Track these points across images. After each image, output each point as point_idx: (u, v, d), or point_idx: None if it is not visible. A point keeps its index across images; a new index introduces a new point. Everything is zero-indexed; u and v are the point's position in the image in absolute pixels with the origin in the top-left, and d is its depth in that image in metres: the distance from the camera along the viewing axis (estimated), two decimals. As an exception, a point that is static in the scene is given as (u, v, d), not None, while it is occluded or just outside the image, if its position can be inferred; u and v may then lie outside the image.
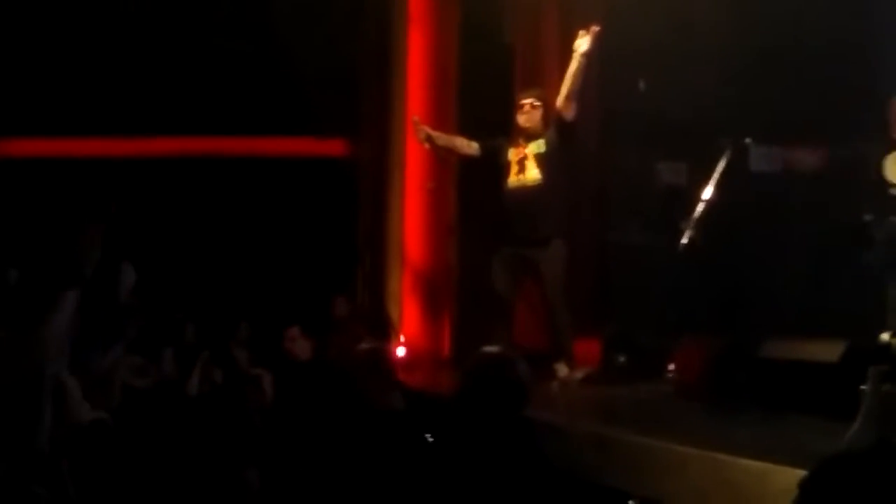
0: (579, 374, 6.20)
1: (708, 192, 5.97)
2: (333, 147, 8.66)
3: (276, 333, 6.33)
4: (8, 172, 8.47)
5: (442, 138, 6.64)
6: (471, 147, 6.56)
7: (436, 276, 7.68)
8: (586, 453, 4.41)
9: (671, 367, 6.01)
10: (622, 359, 6.48)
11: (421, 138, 6.56)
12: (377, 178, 8.07)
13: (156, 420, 4.01)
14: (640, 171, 7.38)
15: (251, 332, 7.13)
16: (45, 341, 2.91)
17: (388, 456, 3.64)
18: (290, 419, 4.49)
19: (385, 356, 4.34)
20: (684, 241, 5.88)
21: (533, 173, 6.27)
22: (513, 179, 6.33)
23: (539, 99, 6.36)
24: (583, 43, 6.01)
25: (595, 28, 6.01)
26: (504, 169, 6.37)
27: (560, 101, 6.17)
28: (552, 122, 6.27)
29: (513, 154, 6.35)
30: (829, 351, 4.92)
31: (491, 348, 3.65)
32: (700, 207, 5.94)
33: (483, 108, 7.36)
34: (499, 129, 6.57)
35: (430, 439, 3.86)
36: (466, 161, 6.82)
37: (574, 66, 6.08)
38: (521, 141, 6.35)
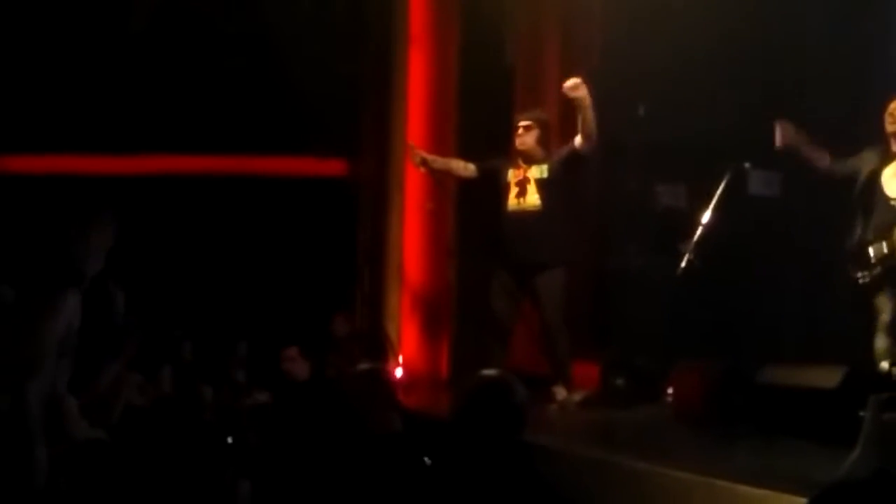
0: (577, 398, 6.19)
1: (707, 216, 5.98)
2: (333, 167, 8.68)
3: (275, 353, 6.32)
4: (8, 189, 8.48)
5: (438, 161, 6.63)
6: (467, 170, 6.55)
7: (435, 297, 7.68)
8: (584, 477, 4.39)
9: (670, 391, 6.00)
10: (621, 382, 6.46)
11: (416, 162, 6.56)
12: (377, 197, 8.08)
13: (154, 438, 4.00)
14: (640, 195, 7.38)
15: (249, 351, 7.13)
16: (45, 341, 2.89)
17: (386, 478, 3.62)
18: (287, 439, 4.48)
19: (383, 377, 4.33)
20: (683, 264, 5.89)
21: (533, 198, 6.24)
22: (512, 203, 6.30)
23: (534, 121, 6.32)
24: (572, 91, 5.93)
25: (574, 83, 5.93)
26: (503, 190, 6.36)
27: (579, 142, 6.13)
28: (566, 153, 6.21)
29: (512, 176, 6.33)
30: (827, 377, 4.91)
31: (489, 371, 3.64)
32: (699, 231, 5.95)
33: (483, 129, 7.39)
34: (498, 151, 6.57)
35: (428, 462, 3.84)
36: (465, 182, 6.82)
37: (579, 114, 6.02)
38: (520, 163, 6.33)
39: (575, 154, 6.18)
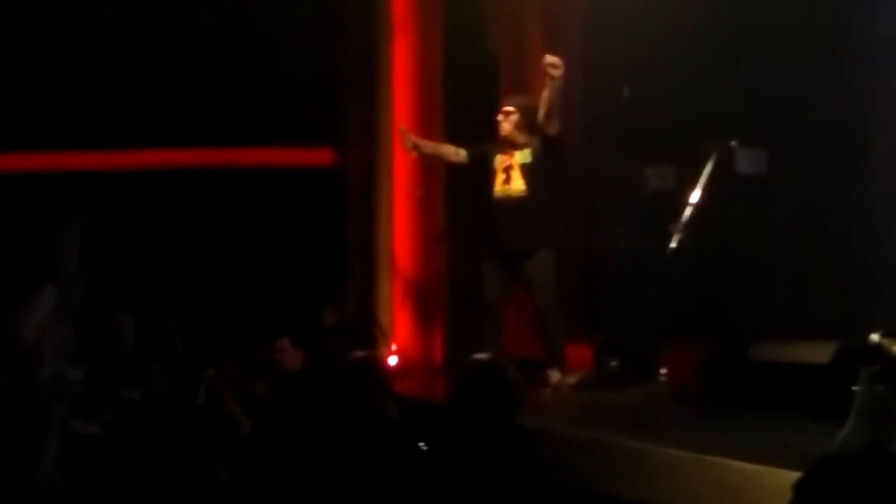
0: (571, 380, 6.20)
1: (695, 196, 6.00)
2: (320, 156, 8.65)
3: (266, 344, 6.32)
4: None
5: (429, 146, 6.63)
6: (458, 155, 6.55)
7: (426, 284, 7.67)
8: (579, 458, 4.40)
9: (663, 370, 6.02)
10: (614, 363, 6.49)
11: (408, 146, 6.55)
12: (365, 186, 8.06)
13: (147, 432, 4.00)
14: (627, 176, 7.38)
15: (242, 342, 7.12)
16: (22, 338, 2.86)
17: (382, 464, 3.63)
18: (282, 430, 4.49)
19: (377, 364, 4.33)
20: (673, 244, 5.91)
21: (518, 184, 6.26)
22: (498, 189, 6.32)
23: (514, 106, 6.32)
24: (552, 68, 5.92)
25: (555, 61, 5.90)
26: (491, 176, 6.37)
27: (540, 118, 6.14)
28: (537, 135, 6.25)
29: (499, 162, 6.34)
30: (819, 352, 4.93)
31: (481, 355, 3.65)
32: (688, 211, 5.97)
33: (469, 115, 7.37)
34: (485, 137, 6.57)
35: (424, 447, 3.85)
36: (454, 168, 6.81)
37: (547, 91, 6.02)
38: (507, 149, 6.34)
39: (545, 135, 6.19)
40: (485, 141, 6.50)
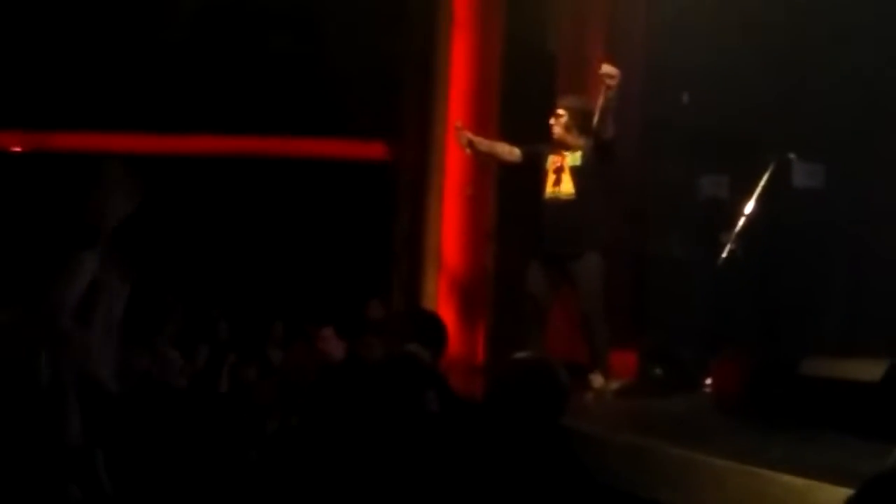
0: (614, 386, 6.15)
1: (750, 206, 5.93)
2: (373, 150, 8.68)
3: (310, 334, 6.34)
4: (49, 166, 8.55)
5: (484, 144, 6.60)
6: (512, 154, 6.52)
7: (472, 282, 7.66)
8: (622, 464, 4.36)
9: (708, 381, 5.95)
10: (658, 371, 6.42)
11: (463, 143, 6.52)
12: (416, 181, 8.06)
13: (189, 415, 4.02)
14: (682, 184, 7.32)
15: (285, 332, 7.16)
16: (62, 303, 2.83)
17: (421, 458, 3.61)
18: (324, 419, 4.48)
19: (418, 358, 4.29)
20: (725, 254, 5.84)
21: (567, 186, 6.21)
22: (549, 190, 6.27)
23: (565, 108, 6.28)
24: (608, 78, 5.87)
25: (611, 70, 5.86)
26: (543, 177, 6.34)
27: (595, 123, 6.10)
28: (590, 138, 6.20)
29: (550, 163, 6.30)
30: (870, 370, 4.83)
31: (527, 354, 3.63)
32: (741, 221, 5.90)
33: (525, 115, 7.34)
34: (540, 138, 6.54)
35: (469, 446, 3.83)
36: (507, 167, 6.79)
37: (602, 98, 5.97)
38: (559, 150, 6.30)
39: (599, 139, 6.14)
40: (539, 141, 6.47)
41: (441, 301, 7.65)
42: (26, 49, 8.70)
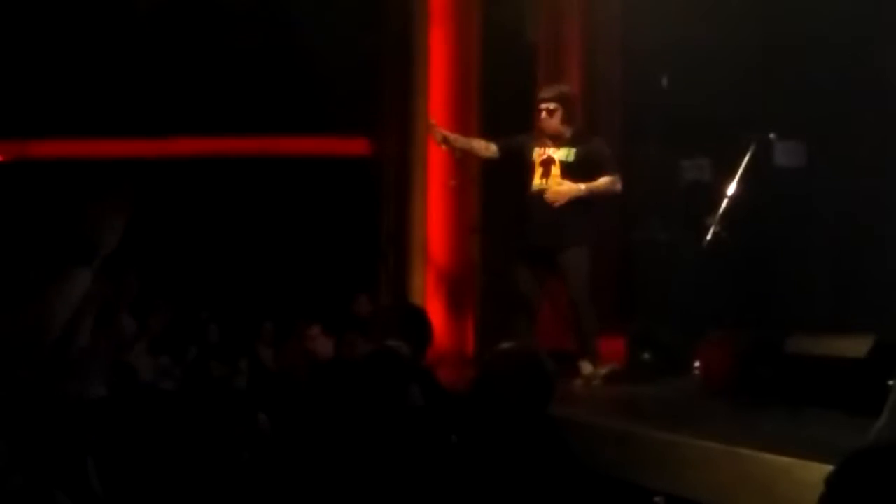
0: (603, 371, 6.16)
1: (732, 188, 5.95)
2: (356, 145, 8.68)
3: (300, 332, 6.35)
4: (29, 174, 8.54)
5: (460, 140, 6.56)
6: (489, 150, 6.46)
7: (459, 274, 7.66)
8: (611, 450, 4.38)
9: (697, 363, 5.98)
10: (647, 356, 6.45)
11: (437, 140, 6.50)
12: (400, 175, 8.05)
13: (182, 420, 4.02)
14: (664, 168, 7.34)
15: (275, 330, 7.16)
16: (50, 317, 2.78)
17: (406, 452, 3.62)
18: (315, 417, 4.49)
19: (400, 353, 4.29)
20: (709, 236, 5.86)
21: (556, 181, 6.17)
22: (536, 183, 6.20)
23: (557, 101, 6.20)
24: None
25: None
26: (528, 169, 6.30)
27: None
28: (596, 159, 6.14)
29: (537, 155, 6.23)
30: (856, 346, 4.87)
31: (513, 344, 3.63)
32: (724, 203, 5.92)
33: (505, 105, 7.34)
34: (521, 128, 6.53)
35: (455, 440, 3.84)
36: (489, 160, 6.77)
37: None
38: (547, 142, 6.25)
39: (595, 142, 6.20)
40: (519, 132, 6.44)
41: (429, 294, 7.66)
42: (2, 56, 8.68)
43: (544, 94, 6.35)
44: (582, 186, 6.06)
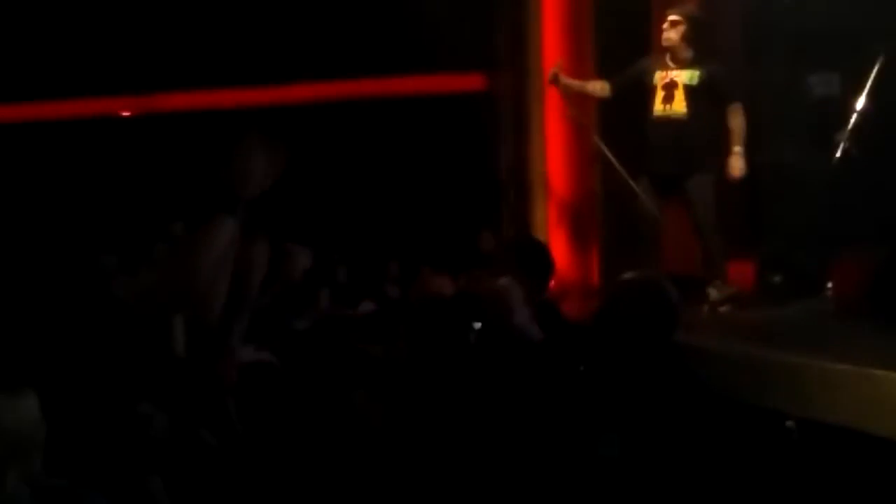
0: (728, 291, 6.04)
1: (862, 102, 5.75)
2: (472, 82, 8.66)
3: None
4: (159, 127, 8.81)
5: (575, 85, 6.51)
6: (604, 90, 6.38)
7: (581, 206, 7.61)
8: (741, 375, 4.34)
9: (829, 284, 5.83)
10: (778, 279, 6.32)
11: (557, 85, 6.47)
12: (517, 110, 8.00)
13: (316, 359, 4.13)
14: (790, 85, 7.11)
15: (401, 269, 7.29)
16: (198, 269, 2.82)
17: (526, 386, 3.65)
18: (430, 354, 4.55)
19: (517, 290, 4.30)
20: (839, 154, 5.69)
21: (680, 106, 6.02)
22: (658, 108, 6.08)
23: (681, 15, 6.04)
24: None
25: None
26: (649, 93, 6.17)
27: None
28: (720, 87, 6.03)
29: (658, 79, 6.09)
30: None
31: (635, 273, 3.62)
32: (854, 118, 5.73)
33: (622, 26, 7.20)
34: (637, 56, 6.39)
35: (583, 369, 3.86)
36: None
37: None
38: (668, 64, 6.11)
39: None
40: (634, 62, 6.32)
41: (552, 228, 7.64)
42: (125, 14, 8.93)
43: (672, 10, 6.19)
44: (739, 149, 5.98)
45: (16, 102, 9.50)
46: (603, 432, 3.19)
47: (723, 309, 5.96)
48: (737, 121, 5.97)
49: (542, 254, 4.84)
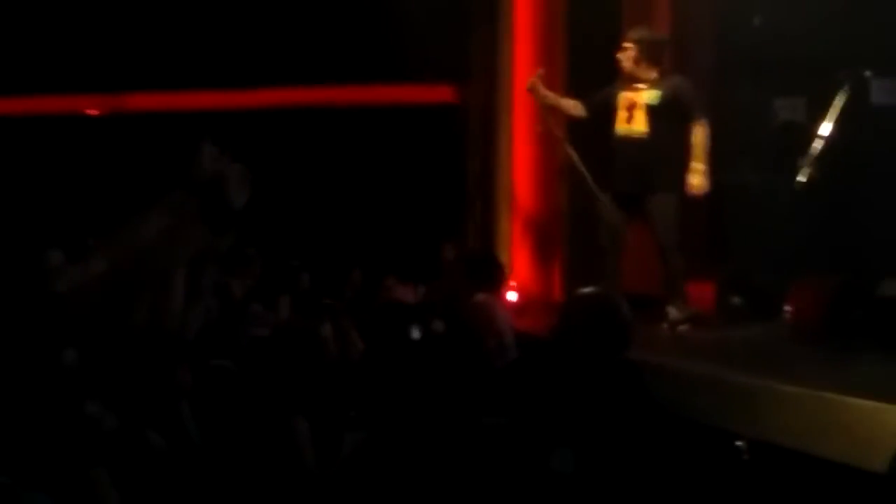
0: (689, 313, 6.08)
1: (826, 128, 5.80)
2: (442, 93, 8.68)
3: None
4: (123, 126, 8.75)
5: (550, 98, 6.54)
6: (577, 108, 6.43)
7: (546, 221, 7.64)
8: (696, 394, 4.36)
9: (787, 307, 5.87)
10: (737, 300, 6.36)
11: (528, 87, 6.49)
12: (486, 123, 8.03)
13: (275, 365, 4.11)
14: (756, 108, 7.17)
15: (363, 278, 7.26)
16: (140, 238, 2.80)
17: (497, 398, 3.66)
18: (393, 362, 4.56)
19: (497, 305, 4.32)
20: (802, 178, 5.74)
21: (641, 124, 6.09)
22: (620, 127, 6.15)
23: (632, 41, 6.14)
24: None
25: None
26: (613, 113, 6.23)
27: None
28: (684, 100, 6.06)
29: (622, 99, 6.17)
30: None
31: (590, 289, 3.63)
32: (818, 144, 5.78)
33: (592, 51, 7.24)
34: (607, 73, 6.43)
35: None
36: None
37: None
38: (632, 86, 6.17)
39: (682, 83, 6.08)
40: (605, 78, 6.36)
41: (516, 241, 7.66)
42: (97, 12, 8.87)
43: (627, 35, 6.29)
44: (699, 166, 5.98)
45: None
46: (556, 447, 3.19)
47: (682, 328, 5.99)
48: (699, 136, 6.01)
49: (491, 265, 4.86)
